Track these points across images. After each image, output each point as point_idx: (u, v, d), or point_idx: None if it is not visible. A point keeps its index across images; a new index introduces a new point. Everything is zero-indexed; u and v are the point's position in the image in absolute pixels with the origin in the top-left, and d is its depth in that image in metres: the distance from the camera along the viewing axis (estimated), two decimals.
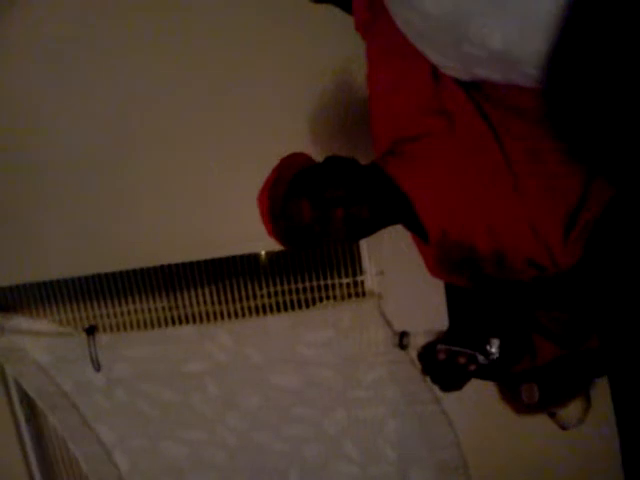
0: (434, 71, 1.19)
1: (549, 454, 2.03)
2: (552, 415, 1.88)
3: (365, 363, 2.01)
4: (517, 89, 1.13)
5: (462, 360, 1.02)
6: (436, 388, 1.84)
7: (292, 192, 1.28)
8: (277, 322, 2.03)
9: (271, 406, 2.12)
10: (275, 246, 1.96)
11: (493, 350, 1.02)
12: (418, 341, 1.09)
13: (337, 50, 1.74)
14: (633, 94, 1.01)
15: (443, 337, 1.06)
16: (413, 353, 1.10)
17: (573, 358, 1.40)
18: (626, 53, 0.97)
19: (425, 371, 1.07)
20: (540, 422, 1.93)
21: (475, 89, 1.17)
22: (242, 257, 2.07)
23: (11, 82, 1.92)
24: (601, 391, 1.84)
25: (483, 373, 1.08)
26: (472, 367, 1.02)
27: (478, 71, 1.09)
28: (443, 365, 1.03)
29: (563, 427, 1.87)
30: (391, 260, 1.94)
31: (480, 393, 1.91)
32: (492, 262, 1.23)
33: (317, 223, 1.26)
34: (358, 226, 1.26)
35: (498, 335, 1.03)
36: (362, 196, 1.24)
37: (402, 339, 1.09)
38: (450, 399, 1.97)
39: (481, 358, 1.02)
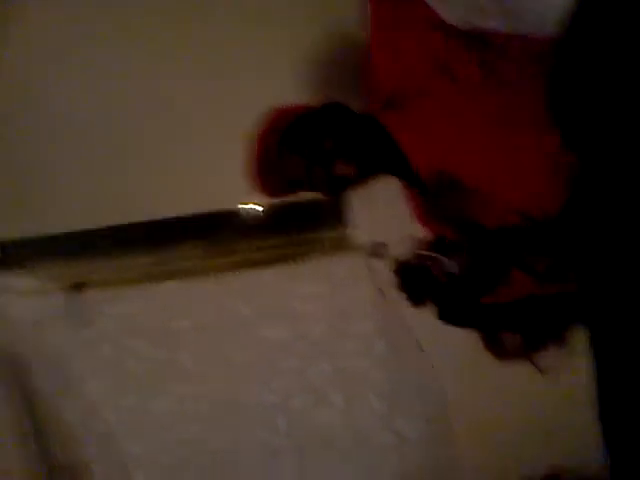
0: (441, 24, 1.19)
1: (530, 400, 2.10)
2: (531, 360, 1.94)
3: (353, 316, 2.05)
4: (521, 39, 1.14)
5: (430, 263, 1.07)
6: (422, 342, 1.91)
7: (283, 146, 1.30)
8: (264, 275, 2.05)
9: (259, 358, 2.16)
10: (262, 201, 2.01)
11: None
12: (393, 252, 1.14)
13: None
14: None
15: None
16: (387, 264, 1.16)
17: (551, 301, 1.45)
18: None
19: (402, 285, 1.12)
20: (521, 369, 2.00)
21: (478, 40, 1.18)
22: (228, 212, 2.08)
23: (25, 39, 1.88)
24: (581, 336, 1.91)
25: (458, 298, 1.13)
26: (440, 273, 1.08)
27: (485, 22, 1.10)
28: (417, 272, 1.08)
29: (542, 371, 1.94)
30: (379, 213, 1.96)
31: (465, 345, 1.96)
32: (479, 206, 1.26)
33: (305, 178, 1.29)
34: (342, 183, 1.29)
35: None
36: (351, 152, 1.26)
37: (377, 248, 1.15)
38: (437, 352, 2.02)
39: (447, 262, 1.08)
